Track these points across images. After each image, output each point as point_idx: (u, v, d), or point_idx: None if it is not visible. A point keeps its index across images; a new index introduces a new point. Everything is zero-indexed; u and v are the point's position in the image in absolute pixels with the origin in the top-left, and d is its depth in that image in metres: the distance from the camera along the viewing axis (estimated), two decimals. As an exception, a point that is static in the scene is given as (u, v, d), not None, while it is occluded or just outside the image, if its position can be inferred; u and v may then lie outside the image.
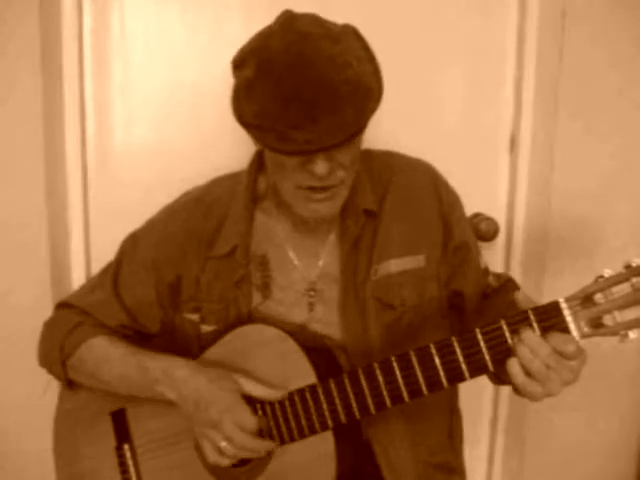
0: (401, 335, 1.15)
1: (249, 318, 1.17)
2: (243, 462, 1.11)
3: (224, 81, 1.49)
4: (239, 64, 1.04)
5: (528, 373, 0.92)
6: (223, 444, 1.06)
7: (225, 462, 1.08)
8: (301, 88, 0.96)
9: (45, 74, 1.45)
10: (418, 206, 1.19)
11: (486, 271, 1.26)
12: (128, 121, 1.53)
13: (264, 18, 1.04)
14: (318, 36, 0.99)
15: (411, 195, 1.20)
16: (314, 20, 1.03)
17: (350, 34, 1.04)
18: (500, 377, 1.10)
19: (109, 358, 1.16)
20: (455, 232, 1.20)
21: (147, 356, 1.14)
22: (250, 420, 1.06)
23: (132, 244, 1.26)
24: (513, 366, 0.93)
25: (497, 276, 1.27)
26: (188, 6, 1.49)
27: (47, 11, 1.43)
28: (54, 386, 1.30)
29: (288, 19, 1.02)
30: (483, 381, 1.13)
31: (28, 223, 1.49)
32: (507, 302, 1.07)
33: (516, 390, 0.96)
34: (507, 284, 1.26)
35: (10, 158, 1.48)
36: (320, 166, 1.00)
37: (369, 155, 1.22)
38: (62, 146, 1.50)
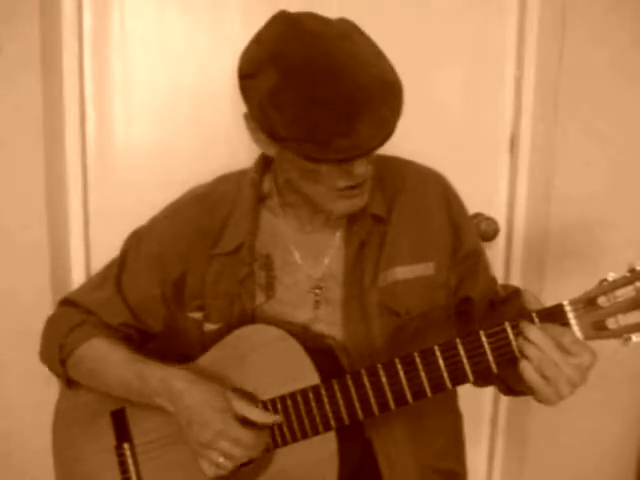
0: (405, 341, 1.14)
1: (252, 317, 1.16)
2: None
3: (224, 81, 1.50)
4: (253, 74, 0.98)
5: (543, 375, 0.91)
6: (221, 460, 1.05)
7: (224, 473, 1.07)
8: (335, 92, 0.92)
9: (45, 74, 1.45)
10: (428, 213, 1.19)
11: (494, 280, 1.26)
12: (128, 121, 1.53)
13: (263, 19, 1.03)
14: (333, 35, 0.96)
15: (421, 202, 1.19)
16: (316, 18, 1.00)
17: (354, 29, 1.00)
18: (510, 386, 1.10)
19: (109, 361, 1.15)
20: (465, 239, 1.20)
21: (146, 364, 1.12)
22: (244, 434, 1.05)
23: (136, 241, 1.25)
24: (526, 368, 0.92)
25: (504, 286, 1.27)
26: (188, 6, 1.49)
27: (47, 11, 1.43)
28: (55, 384, 1.29)
29: (292, 20, 0.98)
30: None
31: (28, 223, 1.49)
32: (514, 311, 1.06)
33: (534, 395, 0.95)
34: (514, 294, 1.24)
35: (10, 158, 1.47)
36: (361, 168, 1.00)
37: (380, 160, 1.19)
38: (62, 146, 1.50)
